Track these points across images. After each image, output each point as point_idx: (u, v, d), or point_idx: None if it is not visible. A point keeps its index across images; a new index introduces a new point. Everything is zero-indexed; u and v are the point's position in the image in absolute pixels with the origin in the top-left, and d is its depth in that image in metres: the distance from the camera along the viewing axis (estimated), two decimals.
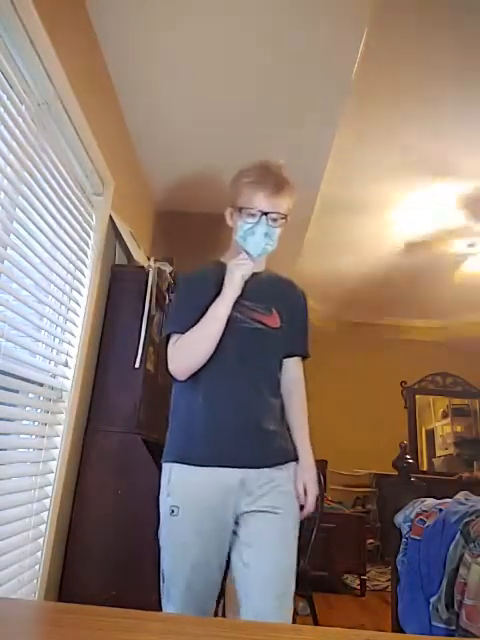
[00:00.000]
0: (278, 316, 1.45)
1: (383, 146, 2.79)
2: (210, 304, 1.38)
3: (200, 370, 1.39)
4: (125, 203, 2.52)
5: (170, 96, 2.28)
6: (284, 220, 1.43)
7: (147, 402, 2.29)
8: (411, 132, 2.63)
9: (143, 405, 2.20)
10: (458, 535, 1.83)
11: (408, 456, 2.76)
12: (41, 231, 1.66)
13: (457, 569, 1.78)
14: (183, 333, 1.41)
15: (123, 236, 2.34)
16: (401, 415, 5.57)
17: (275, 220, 1.41)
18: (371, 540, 4.43)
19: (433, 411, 5.70)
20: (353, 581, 3.91)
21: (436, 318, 5.50)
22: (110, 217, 2.28)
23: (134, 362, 2.15)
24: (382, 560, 4.38)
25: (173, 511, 1.32)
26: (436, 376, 5.67)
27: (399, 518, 2.36)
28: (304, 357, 1.55)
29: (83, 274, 2.07)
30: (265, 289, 1.48)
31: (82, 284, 2.06)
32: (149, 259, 2.49)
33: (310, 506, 1.38)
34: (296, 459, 1.42)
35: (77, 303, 2.02)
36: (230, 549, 1.33)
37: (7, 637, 0.54)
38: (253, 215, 1.40)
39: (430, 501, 2.26)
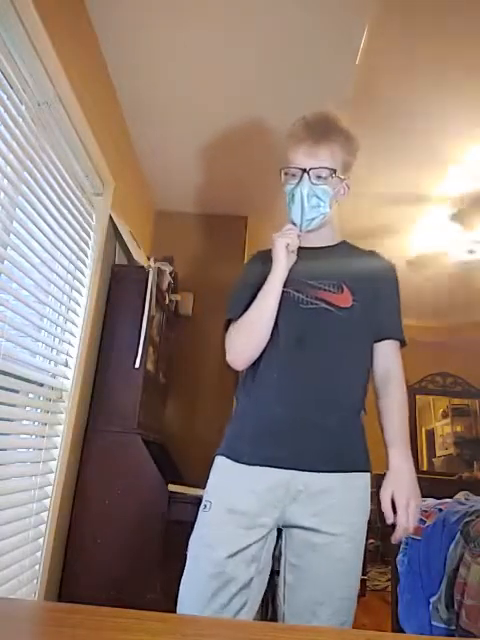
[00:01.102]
0: (350, 294, 1.22)
1: (384, 140, 2.78)
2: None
3: (260, 357, 1.21)
4: (125, 203, 2.52)
5: (170, 96, 2.28)
6: (333, 175, 1.21)
7: (147, 402, 2.29)
8: (414, 125, 2.62)
9: (143, 405, 2.20)
10: (458, 535, 1.83)
11: None
12: (41, 231, 1.66)
13: (457, 569, 1.78)
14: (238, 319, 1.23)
15: (123, 236, 2.34)
16: None
17: (319, 177, 1.21)
18: (371, 540, 4.43)
19: (433, 411, 5.70)
20: None
21: (436, 318, 5.49)
22: (110, 217, 2.28)
23: (134, 362, 2.15)
24: (382, 560, 4.38)
25: (205, 506, 1.18)
26: (436, 376, 5.66)
27: None
28: (399, 341, 1.27)
29: (83, 274, 2.07)
30: (335, 263, 1.27)
31: (82, 284, 2.06)
32: (149, 259, 2.49)
33: (403, 524, 1.10)
34: (366, 469, 1.18)
35: (77, 303, 2.02)
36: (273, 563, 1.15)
37: (7, 637, 0.54)
38: (293, 175, 1.23)
39: (430, 501, 2.27)
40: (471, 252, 3.61)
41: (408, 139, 2.68)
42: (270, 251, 1.26)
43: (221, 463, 1.22)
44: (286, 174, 1.25)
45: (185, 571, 1.14)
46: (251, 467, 1.15)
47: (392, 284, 1.31)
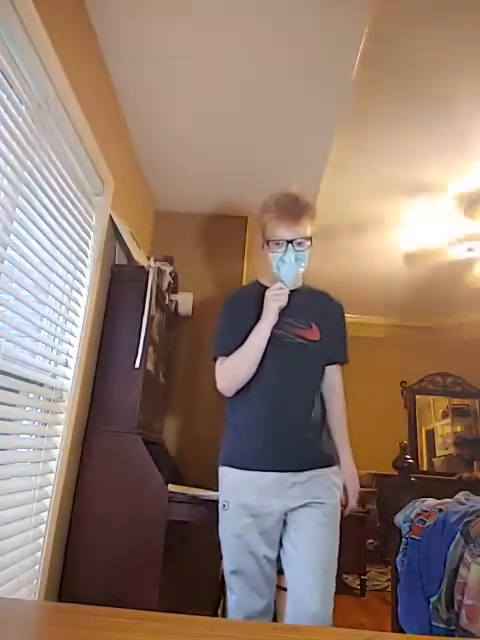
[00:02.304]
0: (318, 329, 1.58)
1: (381, 156, 2.79)
2: (251, 326, 1.54)
3: (247, 384, 1.54)
4: (125, 203, 2.52)
5: (170, 96, 2.28)
6: (309, 242, 1.56)
7: (147, 402, 2.29)
8: (414, 125, 2.63)
9: (143, 405, 2.20)
10: (458, 535, 1.83)
11: (408, 456, 2.76)
12: (41, 231, 1.66)
13: (457, 569, 1.77)
14: (227, 355, 1.56)
15: (123, 236, 2.34)
16: (401, 415, 5.57)
17: (300, 244, 1.55)
18: (371, 540, 4.43)
19: (433, 411, 5.70)
20: (353, 581, 3.91)
21: (436, 318, 5.49)
22: (110, 217, 2.28)
23: (134, 362, 2.15)
24: (382, 560, 4.38)
25: (224, 506, 1.52)
26: (436, 376, 5.66)
27: (399, 518, 2.35)
28: (344, 363, 1.69)
29: (83, 274, 2.07)
30: (304, 305, 1.61)
31: (82, 284, 2.06)
32: (149, 259, 2.49)
33: (351, 502, 1.57)
34: (337, 463, 1.57)
35: (77, 303, 2.02)
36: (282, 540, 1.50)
37: (7, 637, 0.54)
38: (279, 244, 1.54)
39: (430, 501, 2.26)
40: (470, 250, 3.61)
41: (407, 131, 2.69)
42: (244, 290, 1.71)
43: (228, 471, 1.54)
44: (272, 244, 1.56)
45: (224, 552, 1.52)
46: (253, 472, 1.49)
47: (342, 319, 1.72)
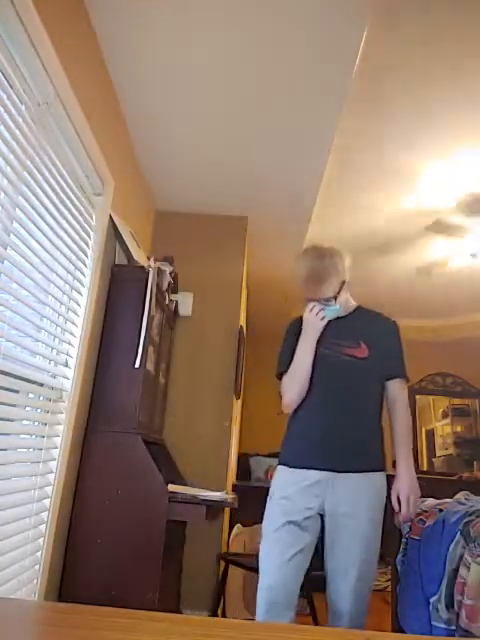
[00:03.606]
0: (367, 347, 1.71)
1: (385, 140, 2.79)
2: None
3: (303, 399, 1.71)
4: (125, 203, 2.52)
5: (170, 96, 2.28)
6: (335, 296, 1.72)
7: (147, 402, 2.29)
8: (414, 125, 2.63)
9: (143, 405, 2.20)
10: (458, 535, 1.83)
11: None
12: (41, 231, 1.66)
13: (457, 569, 1.77)
14: (287, 371, 1.74)
15: (123, 236, 2.34)
16: None
17: (328, 301, 1.72)
18: None
19: (433, 411, 5.70)
20: None
21: (436, 318, 5.50)
22: (110, 217, 2.28)
23: (134, 362, 2.15)
24: (382, 560, 4.37)
25: (271, 496, 1.66)
26: (436, 376, 5.67)
27: (399, 518, 2.35)
28: (402, 377, 1.76)
29: (83, 274, 2.07)
30: (354, 326, 1.76)
31: (82, 284, 2.06)
32: (149, 259, 2.49)
33: (404, 512, 1.63)
34: (381, 470, 1.66)
35: (77, 303, 2.02)
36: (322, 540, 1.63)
37: (7, 637, 0.54)
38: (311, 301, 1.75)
39: (430, 501, 2.26)
40: (473, 256, 3.61)
41: (402, 154, 2.69)
42: (295, 324, 1.82)
43: (280, 470, 1.70)
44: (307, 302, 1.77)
45: (263, 536, 1.64)
46: (297, 469, 1.64)
47: (395, 336, 1.80)
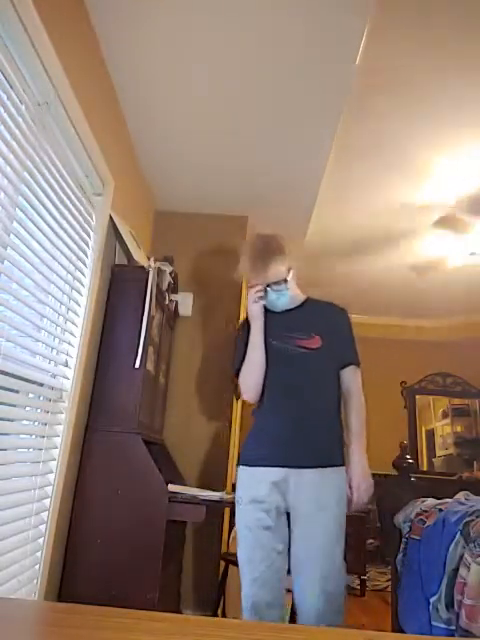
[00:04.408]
0: (319, 338, 1.69)
1: (384, 140, 2.79)
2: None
3: (262, 394, 1.70)
4: (125, 203, 2.52)
5: (170, 96, 2.28)
6: (285, 280, 1.69)
7: (147, 402, 2.29)
8: (414, 124, 2.62)
9: (143, 405, 2.20)
10: (458, 535, 1.83)
11: (408, 456, 2.75)
12: (41, 231, 1.66)
13: (457, 569, 1.77)
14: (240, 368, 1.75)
15: (123, 236, 2.34)
16: (401, 415, 5.57)
17: (277, 283, 1.69)
18: (371, 540, 4.43)
19: (433, 411, 5.70)
20: (353, 581, 3.91)
21: (436, 318, 5.49)
22: (110, 217, 2.28)
23: (134, 362, 2.15)
24: (382, 560, 4.38)
25: (239, 500, 1.63)
26: (436, 376, 5.66)
27: (399, 518, 2.35)
28: (355, 364, 1.74)
29: (83, 274, 2.06)
30: (305, 318, 1.75)
31: (82, 284, 2.06)
32: (149, 259, 2.49)
33: (357, 500, 1.60)
34: (341, 464, 1.62)
35: (77, 303, 2.02)
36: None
37: (7, 637, 0.54)
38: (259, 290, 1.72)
39: (430, 501, 2.26)
40: (472, 254, 3.61)
41: (403, 153, 2.69)
42: (245, 321, 1.80)
43: (241, 470, 1.67)
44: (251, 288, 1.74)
45: (238, 543, 1.63)
46: (261, 468, 1.61)
47: (345, 324, 1.79)
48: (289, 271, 1.72)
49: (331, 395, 1.70)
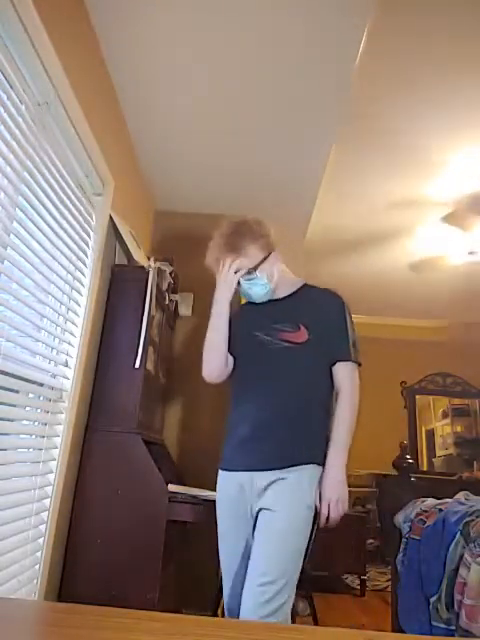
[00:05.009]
0: (306, 330, 1.53)
1: (384, 139, 2.79)
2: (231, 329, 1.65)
3: (234, 388, 1.62)
4: (125, 203, 2.52)
5: (170, 96, 2.28)
6: (256, 268, 1.56)
7: (147, 402, 2.29)
8: (414, 124, 2.63)
9: (143, 405, 2.20)
10: (458, 535, 1.83)
11: (408, 456, 2.76)
12: (41, 231, 1.66)
13: (457, 569, 1.77)
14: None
15: (123, 236, 2.34)
16: (401, 415, 5.57)
17: (249, 273, 1.57)
18: (371, 540, 4.43)
19: (433, 411, 5.70)
20: (353, 581, 3.91)
21: (436, 318, 5.50)
22: (110, 217, 2.28)
23: (134, 362, 2.15)
24: (382, 560, 4.38)
25: (217, 505, 1.56)
26: (436, 376, 5.66)
27: (399, 518, 2.35)
28: (347, 361, 1.55)
29: (83, 274, 2.06)
30: (295, 307, 1.59)
31: (82, 284, 2.06)
32: (149, 259, 2.49)
33: (323, 514, 1.43)
34: (309, 462, 1.46)
35: (77, 303, 2.02)
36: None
37: (7, 637, 0.54)
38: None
39: (430, 501, 2.26)
40: (471, 253, 3.61)
41: (404, 148, 2.69)
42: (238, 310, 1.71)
43: (219, 473, 1.59)
44: None
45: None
46: (229, 472, 1.54)
47: (340, 315, 1.59)
48: (265, 258, 1.57)
49: (314, 393, 1.53)
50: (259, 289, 1.59)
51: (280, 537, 1.39)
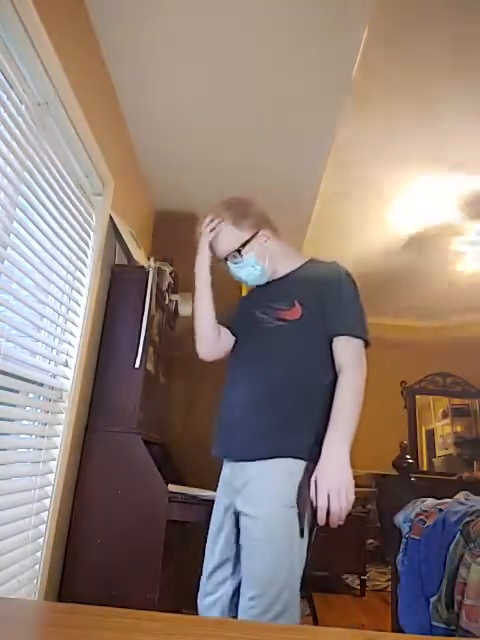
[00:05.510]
0: (300, 307, 1.41)
1: (384, 138, 2.79)
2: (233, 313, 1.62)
3: (227, 368, 1.53)
4: (125, 203, 2.52)
5: (170, 96, 2.28)
6: (241, 249, 1.48)
7: (147, 402, 2.29)
8: (414, 124, 2.63)
9: (143, 405, 2.20)
10: (458, 535, 1.83)
11: (408, 456, 2.76)
12: (41, 231, 1.66)
13: (457, 569, 1.77)
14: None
15: (123, 236, 2.34)
16: (401, 415, 5.57)
17: (234, 257, 1.50)
18: (371, 540, 4.43)
19: (433, 411, 5.70)
20: (353, 581, 3.91)
21: (436, 318, 5.50)
22: (110, 217, 2.28)
23: (134, 362, 2.15)
24: (382, 560, 4.38)
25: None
26: (436, 376, 5.66)
27: (399, 518, 2.35)
28: (347, 335, 1.38)
29: (83, 274, 2.06)
30: (292, 284, 1.49)
31: (82, 284, 2.06)
32: (149, 259, 2.49)
33: (321, 505, 1.20)
34: (288, 456, 1.29)
35: (77, 303, 2.02)
36: None
37: (7, 637, 0.54)
38: (220, 261, 1.54)
39: (430, 501, 2.26)
40: (473, 243, 3.61)
41: (403, 152, 2.68)
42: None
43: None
44: (219, 261, 1.55)
45: None
46: (219, 460, 1.48)
47: (338, 288, 1.44)
48: (252, 237, 1.48)
49: (304, 377, 1.37)
50: (249, 271, 1.51)
51: (259, 546, 1.27)
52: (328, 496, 1.20)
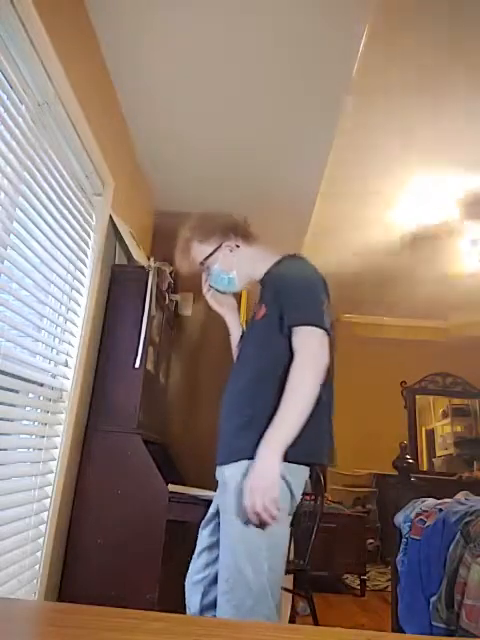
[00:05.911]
0: (265, 307, 1.42)
1: (384, 138, 2.79)
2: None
3: None
4: (125, 203, 2.52)
5: (170, 96, 2.28)
6: (208, 260, 1.55)
7: (147, 402, 2.29)
8: (414, 124, 2.62)
9: (143, 405, 2.20)
10: (458, 535, 1.83)
11: (408, 456, 2.75)
12: (41, 231, 1.66)
13: (457, 569, 1.77)
14: None
15: (123, 236, 2.34)
16: (401, 415, 5.57)
17: (203, 270, 1.59)
18: (371, 540, 4.43)
19: (433, 411, 5.70)
20: (353, 581, 3.91)
21: (436, 318, 5.49)
22: (110, 217, 2.28)
23: (134, 362, 2.15)
24: (382, 560, 4.38)
25: None
26: (436, 376, 5.66)
27: (399, 518, 2.35)
28: (299, 325, 1.33)
29: (83, 274, 2.07)
30: (262, 286, 1.51)
31: (82, 284, 2.06)
32: (149, 259, 2.49)
33: (246, 508, 1.20)
34: (245, 458, 1.27)
35: (77, 303, 2.02)
36: None
37: (7, 637, 0.54)
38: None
39: (430, 501, 2.26)
40: (474, 241, 3.61)
41: (403, 152, 2.68)
42: None
43: None
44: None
45: None
46: None
47: (284, 280, 1.43)
48: (216, 250, 1.54)
49: (268, 378, 1.33)
50: (219, 280, 1.58)
51: (224, 544, 1.29)
52: (254, 496, 1.20)
